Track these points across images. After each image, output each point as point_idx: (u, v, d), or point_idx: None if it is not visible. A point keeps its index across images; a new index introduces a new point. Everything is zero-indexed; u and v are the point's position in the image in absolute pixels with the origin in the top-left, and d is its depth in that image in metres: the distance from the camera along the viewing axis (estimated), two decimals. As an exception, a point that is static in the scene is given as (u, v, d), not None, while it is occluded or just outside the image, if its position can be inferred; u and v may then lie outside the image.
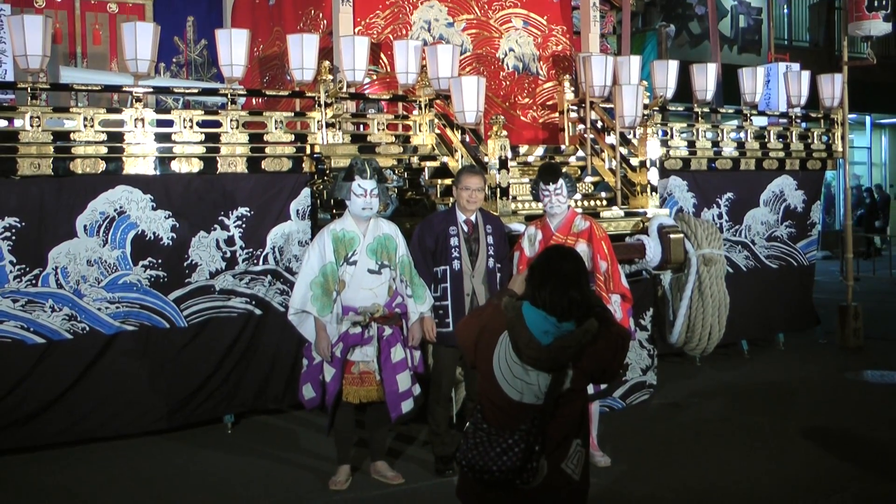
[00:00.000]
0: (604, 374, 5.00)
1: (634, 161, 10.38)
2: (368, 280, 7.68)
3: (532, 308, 4.76)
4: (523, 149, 11.05)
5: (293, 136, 9.53)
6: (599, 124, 11.16)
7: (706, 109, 12.44)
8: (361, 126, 10.18)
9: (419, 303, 7.87)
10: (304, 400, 7.85)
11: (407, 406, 7.76)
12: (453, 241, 8.08)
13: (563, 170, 8.55)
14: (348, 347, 7.61)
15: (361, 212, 7.67)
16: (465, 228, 8.14)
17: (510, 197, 9.36)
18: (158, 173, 8.98)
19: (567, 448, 4.85)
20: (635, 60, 11.94)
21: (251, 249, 9.37)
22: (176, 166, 9.04)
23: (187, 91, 11.15)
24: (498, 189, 9.16)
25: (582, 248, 8.01)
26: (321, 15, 11.44)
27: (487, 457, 4.73)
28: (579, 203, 10.11)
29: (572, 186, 8.29)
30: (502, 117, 9.50)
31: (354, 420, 7.96)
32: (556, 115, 12.07)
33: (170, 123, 9.08)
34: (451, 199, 9.03)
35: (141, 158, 8.91)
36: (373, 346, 7.65)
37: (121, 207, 8.83)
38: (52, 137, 8.59)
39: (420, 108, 10.30)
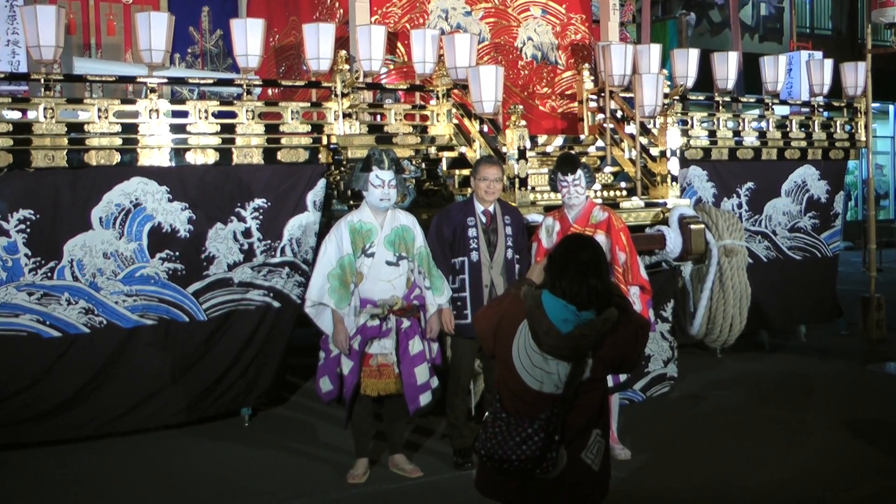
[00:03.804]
0: (623, 363, 5.01)
1: (654, 151, 10.35)
2: (387, 272, 7.68)
3: (551, 296, 4.76)
4: (542, 139, 11.06)
5: (309, 126, 9.51)
6: (619, 114, 11.14)
7: (727, 98, 12.37)
8: (378, 116, 10.16)
9: (437, 294, 7.87)
10: (322, 393, 7.85)
11: (425, 399, 7.77)
12: (471, 232, 8.08)
13: (583, 160, 8.53)
14: (366, 340, 7.61)
15: (379, 203, 7.67)
16: (484, 219, 8.13)
17: (529, 187, 9.35)
18: (174, 165, 8.97)
19: (587, 438, 4.90)
20: (655, 49, 11.90)
21: (269, 241, 9.36)
22: (191, 157, 9.04)
23: (202, 81, 11.13)
24: (517, 179, 9.15)
25: (600, 239, 7.94)
26: (337, 4, 11.45)
27: (507, 446, 4.76)
28: (598, 193, 10.09)
29: (590, 177, 8.28)
30: (521, 107, 9.49)
31: (372, 413, 7.97)
32: (575, 104, 12.06)
33: (185, 114, 9.07)
34: (470, 189, 9.05)
35: (156, 150, 8.91)
36: (391, 338, 7.65)
37: (136, 199, 8.82)
38: (66, 129, 8.58)
39: (437, 97, 10.28)
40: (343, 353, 7.63)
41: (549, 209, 8.92)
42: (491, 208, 8.16)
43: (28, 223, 8.48)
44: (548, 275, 4.87)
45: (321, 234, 8.92)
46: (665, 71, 11.64)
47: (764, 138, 12.49)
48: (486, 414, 5.05)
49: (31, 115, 8.55)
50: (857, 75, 13.06)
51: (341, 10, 11.32)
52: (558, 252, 4.92)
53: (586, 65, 12.01)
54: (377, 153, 7.72)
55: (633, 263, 8.17)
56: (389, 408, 7.96)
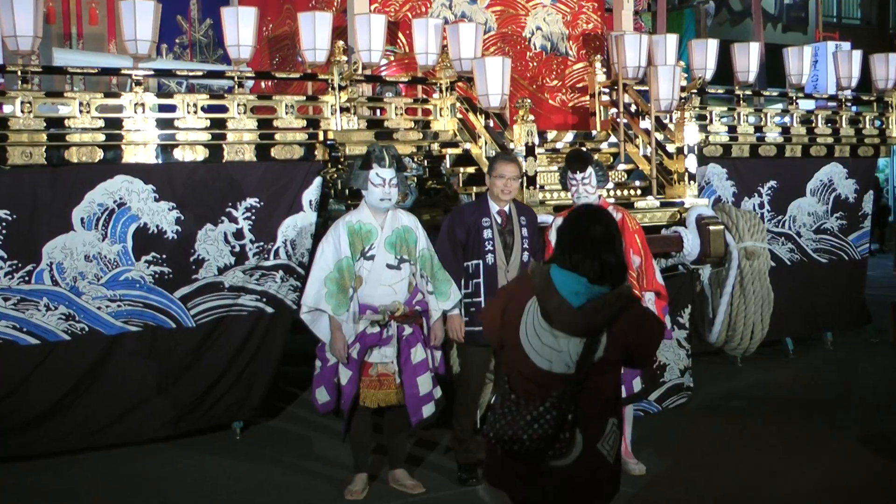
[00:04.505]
0: (639, 348, 4.96)
1: (671, 147, 10.32)
2: (387, 276, 7.64)
3: (561, 270, 4.80)
4: (551, 134, 11.02)
5: (305, 121, 9.48)
6: (633, 108, 11.11)
7: (748, 92, 12.33)
8: (378, 111, 10.15)
9: (442, 299, 7.81)
10: (318, 404, 7.82)
11: (428, 410, 7.73)
12: (486, 234, 8.00)
13: (595, 157, 8.49)
14: (366, 348, 7.57)
15: (379, 203, 7.62)
16: (499, 220, 8.05)
17: (538, 186, 9.33)
18: (161, 162, 8.93)
19: (603, 426, 4.90)
20: (672, 39, 11.89)
21: (262, 243, 9.33)
22: (179, 154, 8.99)
23: (191, 74, 11.11)
24: (525, 177, 9.12)
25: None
26: (334, -9, 11.45)
27: (517, 426, 4.76)
28: (611, 192, 10.07)
29: (603, 175, 8.23)
30: (529, 101, 9.47)
31: (372, 425, 7.94)
32: (587, 98, 12.02)
33: (172, 109, 9.04)
34: (475, 188, 9.02)
35: (141, 146, 8.86)
36: (392, 346, 7.61)
37: (121, 199, 8.79)
38: (44, 124, 8.53)
39: (441, 91, 10.26)
40: (341, 362, 7.60)
41: (559, 209, 8.89)
42: (506, 208, 8.09)
43: (4, 224, 8.44)
44: (557, 249, 4.90)
45: (317, 236, 8.90)
46: (682, 63, 11.58)
47: (788, 134, 12.44)
48: (494, 397, 5.06)
49: (7, 109, 8.52)
50: (888, 67, 13.01)
51: (339, -2, 11.32)
52: (569, 226, 4.94)
53: (598, 56, 11.97)
54: (377, 150, 7.68)
55: (649, 267, 8.13)
56: (390, 420, 7.93)
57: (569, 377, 4.78)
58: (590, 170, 8.08)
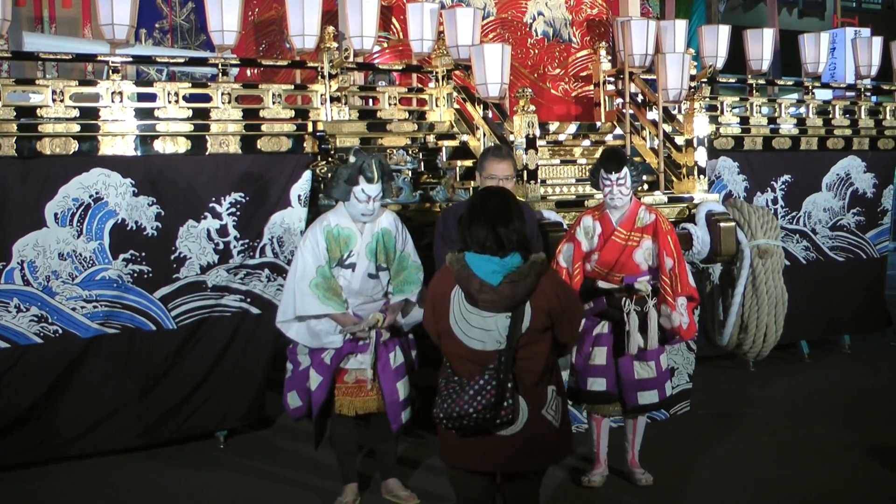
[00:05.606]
0: (562, 318, 5.67)
1: (679, 140, 10.28)
2: (367, 286, 7.59)
3: (474, 255, 5.54)
4: (553, 126, 11.00)
5: (293, 111, 9.49)
6: (640, 98, 11.09)
7: (761, 81, 12.33)
8: (370, 100, 10.13)
9: (397, 294, 7.72)
10: (290, 409, 7.82)
11: (406, 415, 7.69)
12: None
13: (635, 158, 8.34)
14: (341, 356, 7.55)
15: (360, 217, 7.52)
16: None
17: (539, 180, 9.29)
18: (140, 154, 8.90)
19: (543, 394, 5.68)
20: (681, 25, 11.86)
21: (247, 240, 9.30)
22: (159, 146, 8.97)
23: (172, 61, 10.95)
24: (525, 171, 9.08)
25: (647, 244, 7.90)
26: (325, -26, 11.41)
27: (462, 401, 5.45)
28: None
29: (638, 175, 8.13)
30: (530, 90, 9.44)
31: (356, 432, 7.89)
32: (591, 87, 12.02)
33: (152, 98, 9.03)
34: (473, 182, 8.98)
35: (119, 137, 8.83)
36: (368, 354, 7.54)
37: (97, 193, 8.74)
38: (15, 114, 8.51)
39: (437, 80, 10.25)
40: (351, 332, 7.49)
41: (561, 205, 8.87)
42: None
43: (-28, 220, 8.42)
44: (461, 233, 5.63)
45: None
46: (692, 50, 11.58)
47: (803, 126, 12.42)
48: (439, 380, 5.72)
49: (-26, 98, 8.49)
50: (909, 55, 13.00)
51: (329, -19, 11.28)
52: (469, 207, 5.71)
53: (603, 43, 11.96)
54: (366, 165, 7.44)
55: (682, 271, 8.01)
56: (375, 428, 7.89)
57: (502, 351, 5.51)
58: (625, 170, 7.94)
